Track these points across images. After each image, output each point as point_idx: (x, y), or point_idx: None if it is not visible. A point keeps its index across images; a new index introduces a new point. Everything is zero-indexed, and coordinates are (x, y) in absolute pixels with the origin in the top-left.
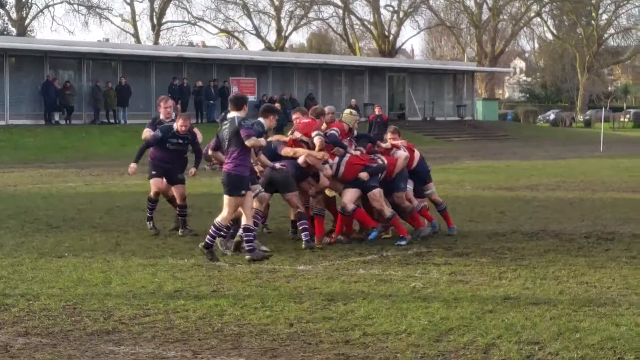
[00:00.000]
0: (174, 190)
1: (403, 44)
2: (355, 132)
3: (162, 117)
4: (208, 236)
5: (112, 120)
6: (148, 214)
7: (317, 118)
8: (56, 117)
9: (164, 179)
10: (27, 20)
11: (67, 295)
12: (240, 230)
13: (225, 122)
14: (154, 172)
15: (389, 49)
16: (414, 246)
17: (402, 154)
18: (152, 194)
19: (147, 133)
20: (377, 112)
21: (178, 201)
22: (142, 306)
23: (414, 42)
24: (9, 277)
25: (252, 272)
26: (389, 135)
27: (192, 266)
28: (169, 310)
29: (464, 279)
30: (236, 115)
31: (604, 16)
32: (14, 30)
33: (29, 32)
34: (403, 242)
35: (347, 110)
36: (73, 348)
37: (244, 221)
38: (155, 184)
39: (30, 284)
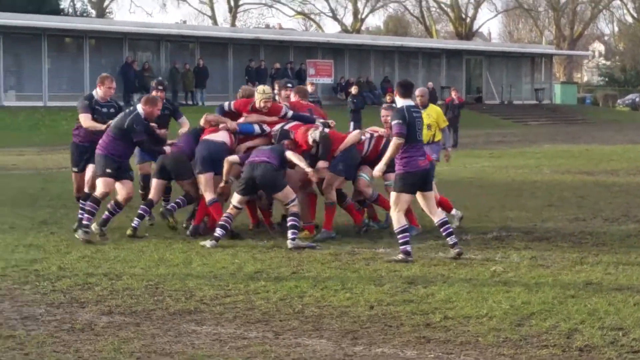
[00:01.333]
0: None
1: (480, 26)
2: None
3: (101, 95)
4: None
5: (189, 102)
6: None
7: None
8: (135, 98)
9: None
10: (106, 2)
11: (149, 274)
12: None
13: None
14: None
15: (466, 31)
16: (493, 230)
17: (355, 132)
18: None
19: (87, 120)
20: (453, 96)
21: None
22: (223, 287)
23: (491, 25)
24: (92, 257)
25: (331, 254)
26: (382, 112)
27: (272, 247)
28: (249, 291)
29: (545, 264)
30: None
31: None
32: (93, 12)
33: (107, 14)
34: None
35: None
36: (156, 327)
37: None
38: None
39: (112, 264)
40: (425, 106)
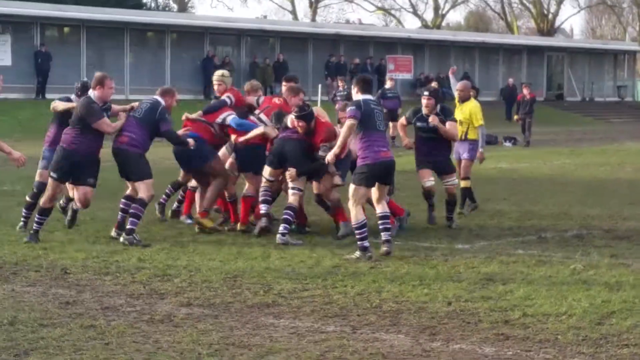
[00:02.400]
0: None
1: (562, 22)
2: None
3: (98, 96)
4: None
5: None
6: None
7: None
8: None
9: None
10: None
11: (227, 267)
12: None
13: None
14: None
15: (548, 27)
16: (573, 228)
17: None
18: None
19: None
20: (525, 92)
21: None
22: (300, 280)
23: (573, 21)
24: (171, 249)
25: (409, 250)
26: (339, 114)
27: (350, 243)
28: (327, 285)
29: (626, 262)
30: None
31: None
32: (174, 7)
33: (189, 9)
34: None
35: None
36: (234, 319)
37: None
38: None
39: (191, 256)
40: (464, 101)
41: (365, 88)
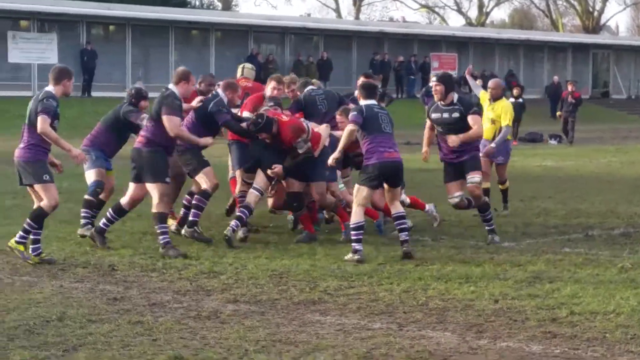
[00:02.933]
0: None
1: (608, 20)
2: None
3: (181, 93)
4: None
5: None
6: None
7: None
8: None
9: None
10: None
11: (273, 264)
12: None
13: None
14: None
15: (593, 25)
16: (620, 226)
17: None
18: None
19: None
20: (569, 89)
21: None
22: (346, 278)
23: (618, 19)
24: (218, 246)
25: (455, 248)
26: (337, 118)
27: (395, 240)
28: (373, 283)
29: None
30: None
31: None
32: (219, 5)
33: (233, 7)
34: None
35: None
36: (280, 316)
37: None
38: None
39: (237, 253)
40: (496, 99)
41: (368, 94)
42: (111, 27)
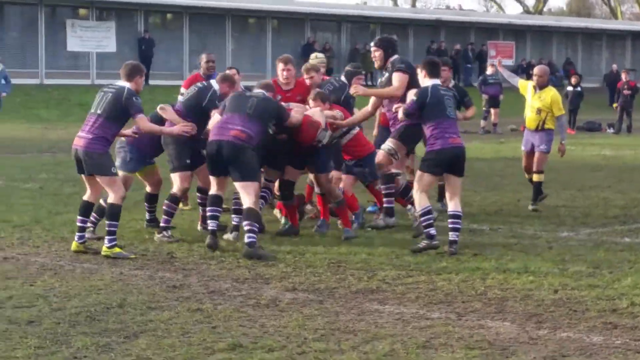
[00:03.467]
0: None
1: None
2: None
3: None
4: None
5: (369, 82)
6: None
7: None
8: None
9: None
10: None
11: (331, 253)
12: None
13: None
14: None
15: None
16: None
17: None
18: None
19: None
20: (624, 79)
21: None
22: (404, 267)
23: None
24: (275, 235)
25: (513, 237)
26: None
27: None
28: (431, 272)
29: None
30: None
31: None
32: None
33: None
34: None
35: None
36: (339, 305)
37: None
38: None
39: (295, 241)
40: (542, 87)
41: (433, 72)
42: (169, 16)
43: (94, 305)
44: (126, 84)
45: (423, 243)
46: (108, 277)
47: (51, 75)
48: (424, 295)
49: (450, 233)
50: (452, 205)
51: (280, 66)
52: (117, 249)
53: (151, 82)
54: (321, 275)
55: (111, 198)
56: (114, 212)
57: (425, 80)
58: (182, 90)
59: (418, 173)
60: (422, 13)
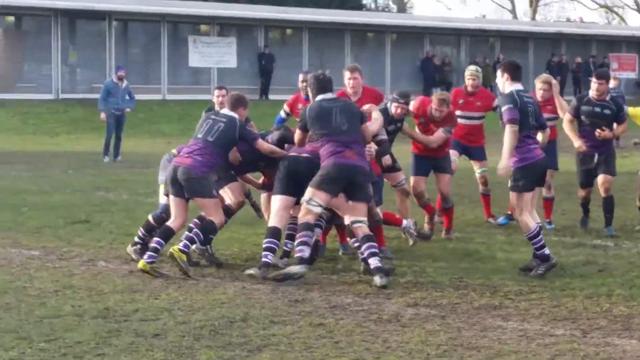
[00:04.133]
0: None
1: None
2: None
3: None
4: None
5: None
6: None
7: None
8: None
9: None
10: None
11: (453, 268)
12: None
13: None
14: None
15: None
16: None
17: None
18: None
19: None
20: None
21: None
22: (527, 282)
23: None
24: (396, 250)
25: (639, 253)
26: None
27: (576, 245)
28: (554, 288)
29: None
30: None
31: None
32: (394, 7)
33: (408, 9)
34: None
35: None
36: (461, 321)
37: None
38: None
39: (419, 257)
40: None
41: (515, 75)
42: (288, 31)
43: (218, 318)
44: (234, 115)
45: (542, 268)
46: (231, 291)
47: (173, 90)
48: (547, 311)
49: (534, 249)
50: (531, 221)
51: (347, 75)
52: (184, 257)
53: (271, 97)
54: (443, 291)
55: (217, 220)
56: (211, 231)
57: (508, 85)
58: (286, 107)
59: (513, 195)
60: (543, 26)
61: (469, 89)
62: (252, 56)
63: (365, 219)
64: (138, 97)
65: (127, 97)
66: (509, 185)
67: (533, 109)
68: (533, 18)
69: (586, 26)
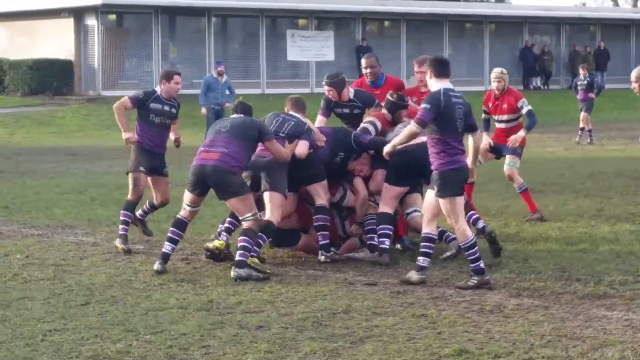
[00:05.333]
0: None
1: None
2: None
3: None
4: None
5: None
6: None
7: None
8: (535, 82)
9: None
10: None
11: (555, 257)
12: None
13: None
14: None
15: None
16: None
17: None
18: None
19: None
20: None
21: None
22: (632, 272)
23: None
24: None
25: None
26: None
27: None
28: None
29: None
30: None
31: None
32: None
33: None
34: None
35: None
36: (565, 311)
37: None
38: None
39: (520, 247)
40: None
41: (442, 72)
42: (386, 23)
43: (320, 310)
44: (298, 114)
45: (473, 280)
46: (332, 283)
47: (272, 84)
48: None
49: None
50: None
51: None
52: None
53: None
54: (546, 281)
55: (272, 217)
56: (268, 230)
57: (433, 83)
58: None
59: (445, 201)
60: None
61: (496, 92)
62: (349, 49)
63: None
64: (238, 91)
65: (227, 92)
66: (436, 194)
67: (463, 110)
68: (635, 5)
69: None
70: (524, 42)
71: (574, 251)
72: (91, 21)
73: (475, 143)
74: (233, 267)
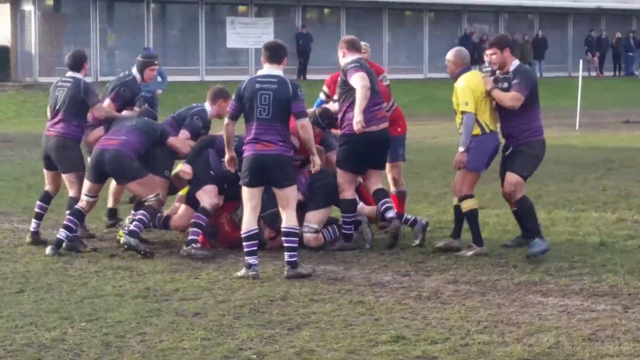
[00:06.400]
0: None
1: None
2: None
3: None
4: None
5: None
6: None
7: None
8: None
9: None
10: None
11: (492, 245)
12: None
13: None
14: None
15: None
16: None
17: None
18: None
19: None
20: None
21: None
22: (567, 258)
23: None
24: (433, 227)
25: None
26: None
27: (617, 221)
28: (595, 264)
29: None
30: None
31: None
32: None
33: None
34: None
35: None
36: (501, 297)
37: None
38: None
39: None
40: None
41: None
42: (326, 10)
43: (258, 297)
44: (207, 106)
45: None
46: (270, 270)
47: (211, 72)
48: (588, 287)
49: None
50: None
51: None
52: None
53: (309, 77)
54: (483, 267)
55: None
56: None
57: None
58: (325, 88)
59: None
60: (582, 2)
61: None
62: (289, 36)
63: None
64: (176, 78)
65: (158, 78)
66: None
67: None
68: None
69: (627, 1)
70: (462, 31)
71: (510, 238)
72: (28, 6)
73: None
74: (125, 235)
